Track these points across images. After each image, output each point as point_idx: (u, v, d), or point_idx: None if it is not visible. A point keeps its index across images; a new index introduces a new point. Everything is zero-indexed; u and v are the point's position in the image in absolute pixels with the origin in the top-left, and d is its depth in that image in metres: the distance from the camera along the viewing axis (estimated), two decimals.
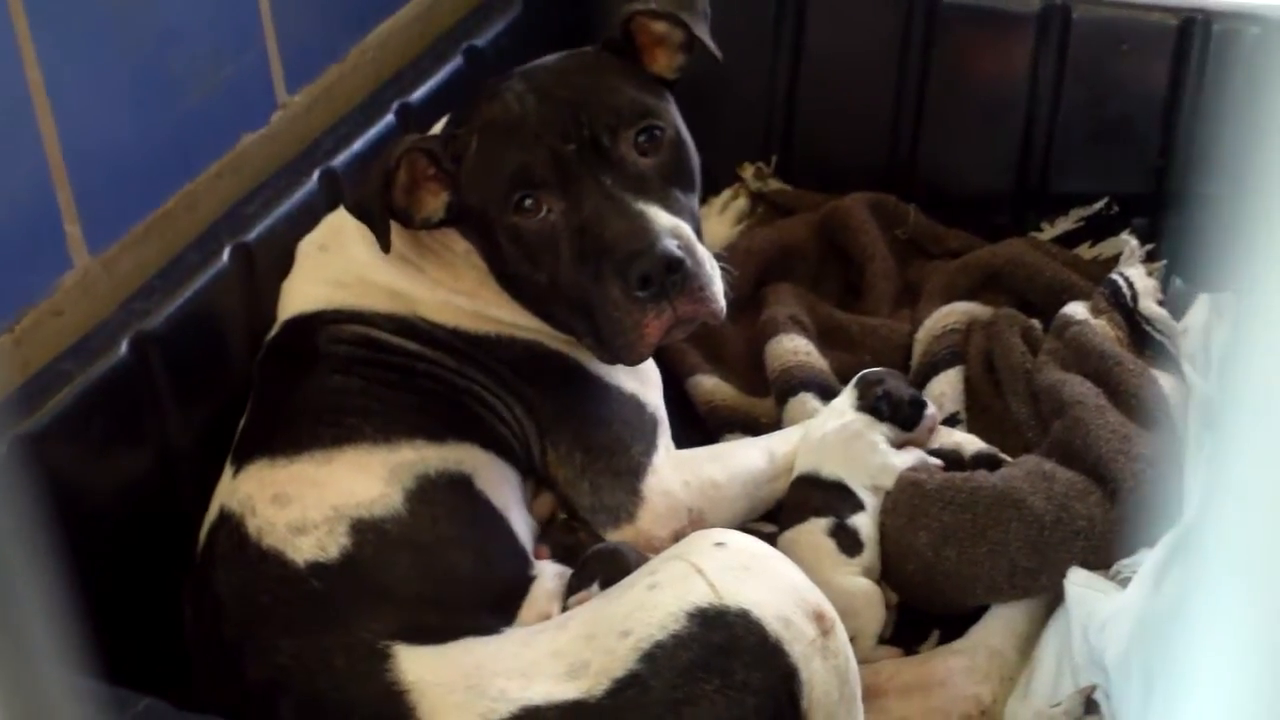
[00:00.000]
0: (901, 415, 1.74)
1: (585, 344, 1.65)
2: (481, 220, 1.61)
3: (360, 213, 1.61)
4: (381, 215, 1.57)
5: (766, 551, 1.42)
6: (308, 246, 1.75)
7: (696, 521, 1.66)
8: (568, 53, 1.71)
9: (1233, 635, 0.38)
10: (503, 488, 1.61)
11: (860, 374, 1.79)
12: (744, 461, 1.75)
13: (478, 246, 1.66)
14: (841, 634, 1.36)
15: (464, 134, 1.62)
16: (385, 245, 1.58)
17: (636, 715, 1.26)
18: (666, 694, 1.27)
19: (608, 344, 1.57)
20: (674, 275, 1.50)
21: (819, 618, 1.34)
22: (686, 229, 1.55)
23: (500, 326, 1.67)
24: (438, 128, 1.72)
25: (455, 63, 2.13)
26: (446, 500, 1.53)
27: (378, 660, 1.34)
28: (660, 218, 1.53)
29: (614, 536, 1.66)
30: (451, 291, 1.67)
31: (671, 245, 1.50)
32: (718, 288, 1.55)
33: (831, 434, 1.73)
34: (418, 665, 1.33)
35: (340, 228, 1.72)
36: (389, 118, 1.99)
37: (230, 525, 1.49)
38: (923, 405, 1.77)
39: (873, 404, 1.73)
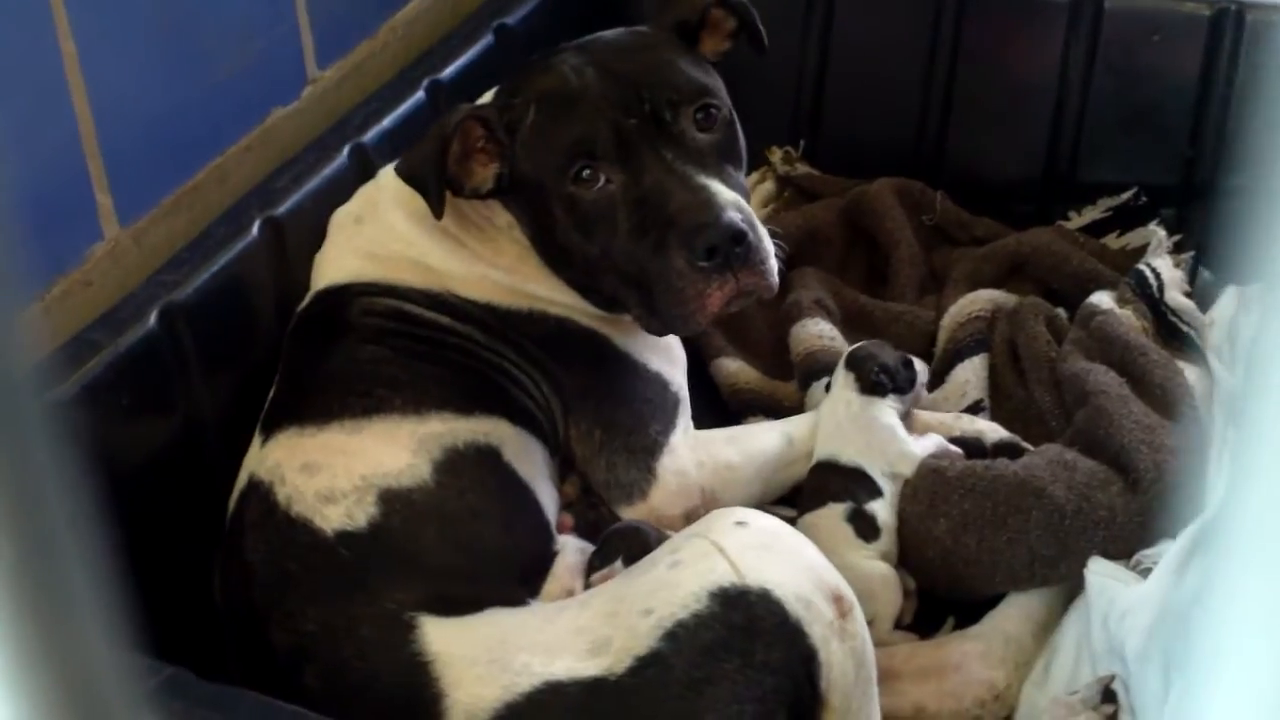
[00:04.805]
0: (900, 381, 1.75)
1: (633, 315, 1.65)
2: (535, 190, 1.61)
3: (414, 179, 1.62)
4: (437, 182, 1.58)
5: (787, 531, 1.42)
6: (343, 218, 1.75)
7: (709, 502, 1.66)
8: (624, 30, 1.72)
9: (1256, 628, 0.39)
10: (529, 462, 1.61)
11: (847, 354, 1.79)
12: (760, 444, 1.75)
13: (524, 218, 1.67)
14: (859, 616, 1.37)
15: (520, 104, 1.62)
16: (439, 212, 1.58)
17: (657, 693, 1.27)
18: (687, 673, 1.27)
19: (664, 314, 1.59)
20: (739, 247, 1.52)
21: (838, 599, 1.35)
22: (745, 204, 1.57)
23: (534, 302, 1.68)
24: (486, 98, 1.73)
25: (486, 41, 2.14)
26: (474, 472, 1.54)
27: (403, 631, 1.35)
28: (723, 192, 1.55)
29: (627, 513, 1.67)
30: (489, 266, 1.68)
31: (736, 218, 1.52)
32: (774, 262, 1.57)
33: (847, 421, 1.73)
34: (442, 637, 1.34)
35: (376, 200, 1.73)
36: (419, 94, 2.00)
37: (259, 493, 1.50)
38: (912, 363, 1.78)
39: (874, 382, 1.74)
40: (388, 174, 1.75)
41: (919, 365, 1.80)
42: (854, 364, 1.76)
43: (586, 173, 1.57)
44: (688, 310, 1.55)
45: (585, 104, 1.58)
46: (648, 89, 1.59)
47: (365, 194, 1.77)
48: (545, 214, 1.62)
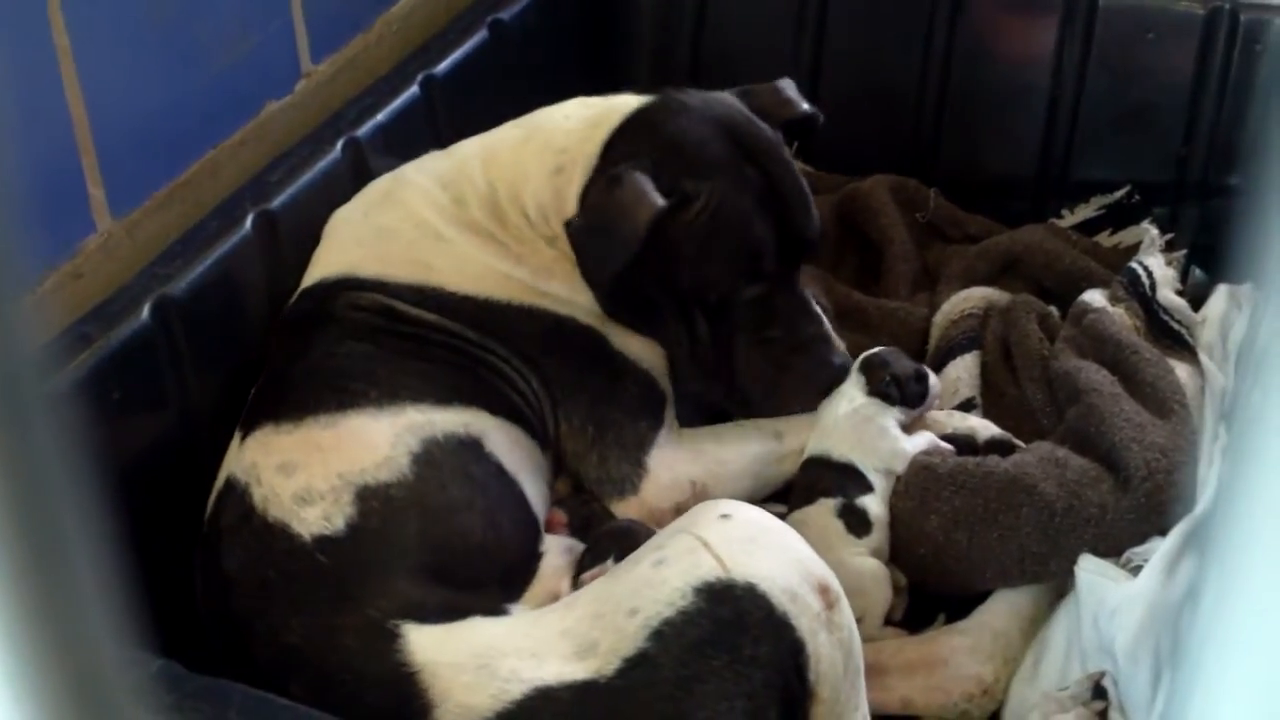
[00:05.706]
0: (909, 394, 1.75)
1: (677, 358, 1.74)
2: (662, 263, 1.64)
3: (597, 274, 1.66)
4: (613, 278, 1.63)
5: (772, 523, 1.41)
6: (345, 214, 1.75)
7: (700, 495, 1.65)
8: (755, 122, 1.75)
9: (1247, 626, 0.39)
10: (515, 452, 1.60)
11: (863, 357, 1.79)
12: (750, 439, 1.76)
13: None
14: (845, 607, 1.36)
15: (694, 195, 1.63)
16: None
17: (647, 694, 1.26)
18: (676, 671, 1.26)
19: (748, 395, 1.74)
20: None
21: (824, 591, 1.34)
22: None
23: (541, 299, 1.68)
24: (619, 106, 1.73)
25: (480, 36, 2.13)
26: (455, 463, 1.52)
27: (387, 640, 1.33)
28: (830, 328, 1.77)
29: (618, 508, 1.67)
30: (515, 263, 1.67)
31: (842, 358, 1.76)
32: None
33: (842, 418, 1.73)
34: (427, 645, 1.32)
35: (389, 192, 1.73)
36: (413, 89, 2.00)
37: (235, 494, 1.48)
38: (926, 377, 1.78)
39: (882, 389, 1.73)
40: (410, 171, 1.75)
41: (932, 381, 1.79)
42: (867, 367, 1.76)
43: (743, 282, 1.67)
44: (777, 406, 1.75)
45: (754, 223, 1.66)
46: (798, 212, 1.70)
47: (379, 188, 1.76)
48: (655, 275, 1.65)
